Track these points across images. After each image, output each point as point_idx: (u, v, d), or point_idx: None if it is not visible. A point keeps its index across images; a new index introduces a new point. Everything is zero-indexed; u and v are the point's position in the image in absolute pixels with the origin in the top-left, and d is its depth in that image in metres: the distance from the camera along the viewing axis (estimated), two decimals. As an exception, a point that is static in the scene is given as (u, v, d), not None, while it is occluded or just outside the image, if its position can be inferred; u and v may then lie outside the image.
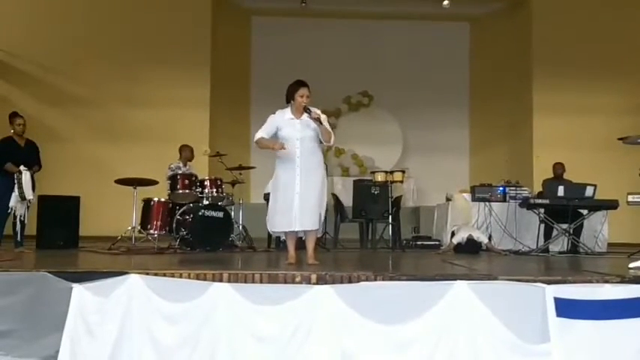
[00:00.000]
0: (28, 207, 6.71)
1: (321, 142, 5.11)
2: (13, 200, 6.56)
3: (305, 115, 5.02)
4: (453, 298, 3.67)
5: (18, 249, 6.69)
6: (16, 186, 6.58)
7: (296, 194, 4.97)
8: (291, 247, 5.18)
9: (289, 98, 5.08)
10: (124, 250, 6.81)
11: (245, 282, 3.93)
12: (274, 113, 5.18)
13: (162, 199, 7.41)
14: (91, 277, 3.97)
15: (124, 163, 10.15)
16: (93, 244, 7.67)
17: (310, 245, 5.13)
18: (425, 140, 13.47)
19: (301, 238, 5.24)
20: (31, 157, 6.96)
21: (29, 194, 6.64)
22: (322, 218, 5.23)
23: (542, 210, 7.80)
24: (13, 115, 7.04)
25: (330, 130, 5.05)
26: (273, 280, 3.99)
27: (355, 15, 13.42)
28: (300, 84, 5.04)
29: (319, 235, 6.71)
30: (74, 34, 11.52)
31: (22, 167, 6.67)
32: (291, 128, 5.03)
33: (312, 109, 4.99)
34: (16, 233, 6.70)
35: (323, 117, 5.04)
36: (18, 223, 6.64)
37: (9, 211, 6.60)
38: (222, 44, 12.52)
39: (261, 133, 5.12)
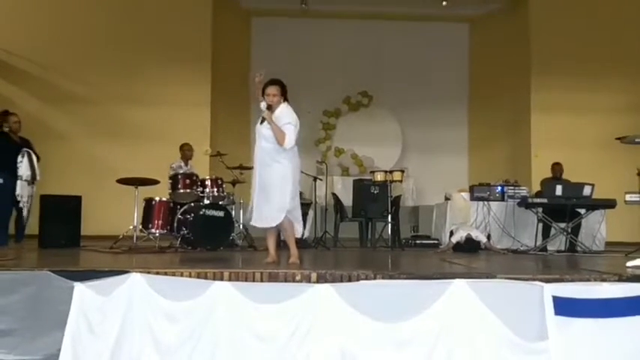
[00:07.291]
0: (32, 196, 6.64)
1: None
2: (19, 187, 6.53)
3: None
4: (452, 297, 3.70)
5: (19, 242, 6.68)
6: (26, 167, 6.51)
7: (254, 191, 5.11)
8: (270, 245, 5.19)
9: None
10: (125, 249, 6.82)
11: (246, 281, 3.96)
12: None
13: (164, 199, 7.43)
14: (93, 276, 3.99)
15: (125, 162, 10.17)
16: (95, 243, 7.67)
17: (289, 243, 5.19)
18: (424, 140, 13.49)
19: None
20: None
21: (38, 174, 6.63)
22: (282, 214, 4.98)
23: (540, 209, 7.84)
24: (5, 114, 6.97)
25: (282, 131, 4.93)
26: (273, 278, 4.01)
27: (355, 15, 13.42)
28: (267, 82, 5.11)
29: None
30: (74, 34, 11.53)
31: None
32: (258, 125, 5.13)
33: (266, 110, 4.98)
34: (22, 226, 6.67)
35: (285, 120, 4.96)
36: (25, 213, 6.59)
37: (18, 199, 6.57)
38: (222, 44, 12.52)
39: None
